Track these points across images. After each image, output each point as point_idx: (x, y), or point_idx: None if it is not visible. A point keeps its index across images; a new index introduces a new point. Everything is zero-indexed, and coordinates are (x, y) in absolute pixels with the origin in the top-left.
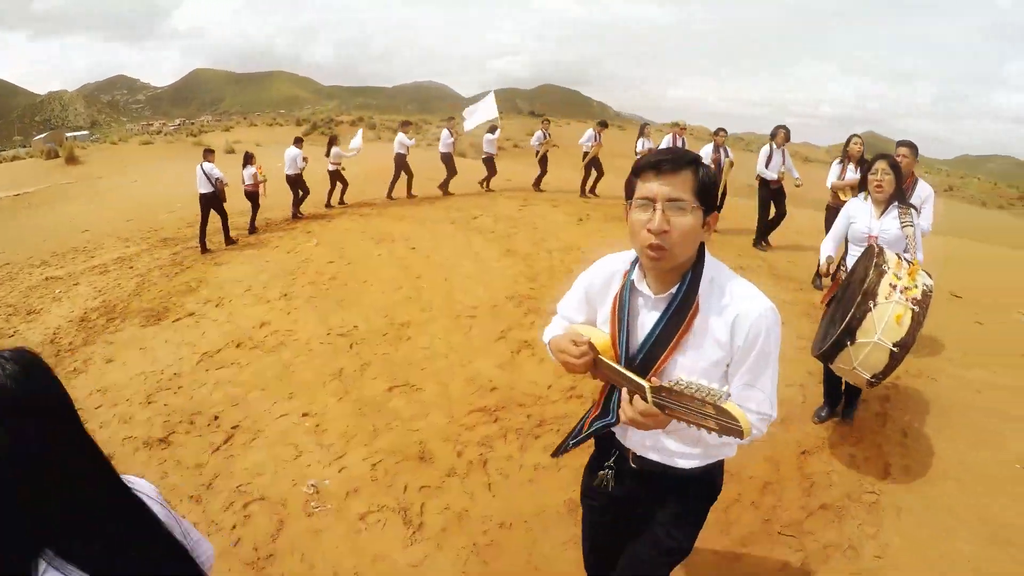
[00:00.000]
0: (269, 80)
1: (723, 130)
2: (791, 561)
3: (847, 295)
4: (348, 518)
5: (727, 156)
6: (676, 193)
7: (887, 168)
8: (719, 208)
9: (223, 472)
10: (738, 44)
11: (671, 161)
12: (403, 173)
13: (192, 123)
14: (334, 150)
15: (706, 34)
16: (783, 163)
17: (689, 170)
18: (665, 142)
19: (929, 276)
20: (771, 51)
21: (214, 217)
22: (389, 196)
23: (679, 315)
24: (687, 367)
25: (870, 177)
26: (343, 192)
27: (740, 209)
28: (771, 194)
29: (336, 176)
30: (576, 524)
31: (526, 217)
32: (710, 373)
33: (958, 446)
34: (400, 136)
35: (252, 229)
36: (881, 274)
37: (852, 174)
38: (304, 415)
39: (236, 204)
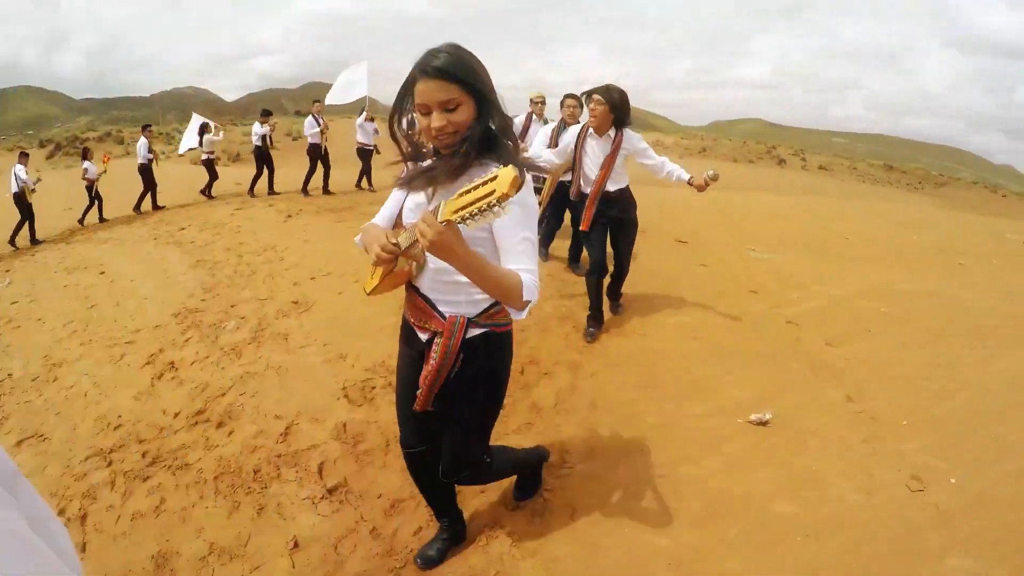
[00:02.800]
0: (14, 98)
1: (539, 97)
2: None
3: None
4: None
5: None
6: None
7: None
8: None
9: None
10: (502, 32)
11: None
12: (266, 166)
13: None
14: (206, 137)
15: (472, 23)
16: None
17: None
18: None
19: None
20: (535, 38)
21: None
22: (251, 191)
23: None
24: None
25: None
26: (98, 210)
27: None
28: None
29: (209, 165)
30: None
31: (235, 222)
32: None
33: (666, 405)
34: (255, 126)
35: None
36: None
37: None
38: None
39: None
